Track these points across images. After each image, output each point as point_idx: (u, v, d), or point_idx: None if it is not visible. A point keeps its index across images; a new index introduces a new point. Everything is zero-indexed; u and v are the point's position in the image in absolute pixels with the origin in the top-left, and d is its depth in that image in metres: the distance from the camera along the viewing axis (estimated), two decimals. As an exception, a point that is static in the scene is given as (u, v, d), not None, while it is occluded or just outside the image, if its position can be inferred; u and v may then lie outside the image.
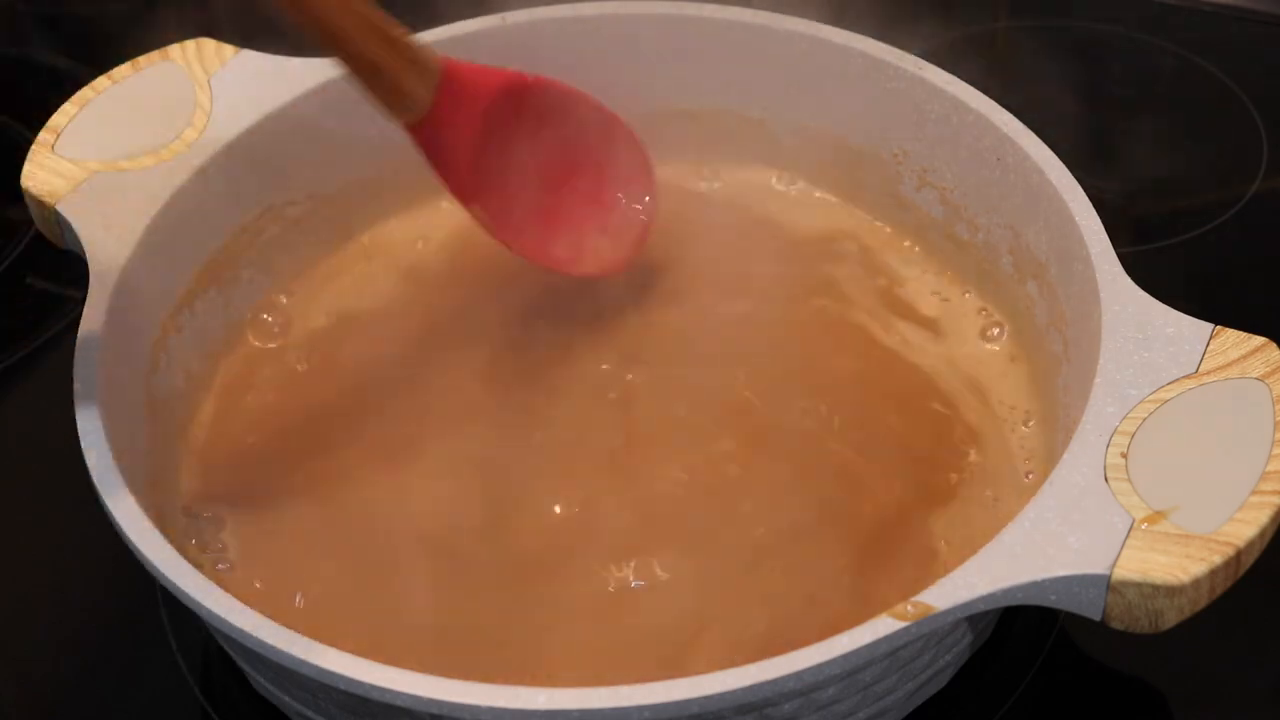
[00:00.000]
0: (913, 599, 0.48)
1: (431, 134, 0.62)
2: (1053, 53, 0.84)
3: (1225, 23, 0.86)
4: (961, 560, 0.50)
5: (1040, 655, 0.59)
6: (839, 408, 0.63)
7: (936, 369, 0.65)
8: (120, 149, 0.65)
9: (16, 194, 0.64)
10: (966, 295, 0.67)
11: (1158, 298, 0.56)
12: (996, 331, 0.65)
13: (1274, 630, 0.60)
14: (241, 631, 0.50)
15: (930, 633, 0.50)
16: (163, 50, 0.68)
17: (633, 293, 0.68)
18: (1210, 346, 0.54)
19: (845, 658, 0.48)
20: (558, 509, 0.61)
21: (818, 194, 0.72)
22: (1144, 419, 0.53)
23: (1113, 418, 0.53)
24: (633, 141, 0.68)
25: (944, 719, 0.57)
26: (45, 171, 0.64)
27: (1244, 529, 0.49)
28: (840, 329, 0.66)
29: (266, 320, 0.68)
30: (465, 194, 0.64)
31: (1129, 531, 0.50)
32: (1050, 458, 0.58)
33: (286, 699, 0.56)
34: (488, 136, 0.63)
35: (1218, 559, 0.49)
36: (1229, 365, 0.54)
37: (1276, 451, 0.51)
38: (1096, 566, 0.49)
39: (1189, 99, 0.82)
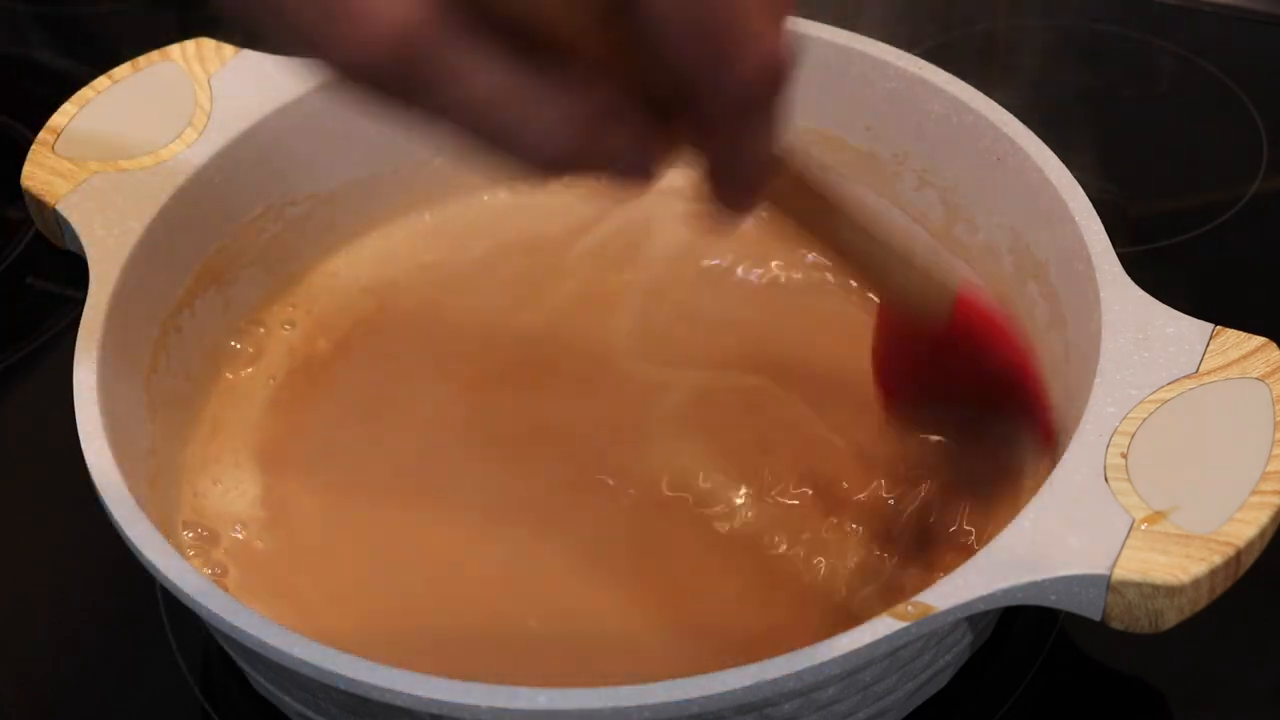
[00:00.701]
0: (912, 599, 0.48)
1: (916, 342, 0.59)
2: (1053, 53, 0.84)
3: (1225, 23, 0.86)
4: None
5: (1040, 655, 0.59)
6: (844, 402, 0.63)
7: None
8: (120, 149, 0.64)
9: (16, 194, 0.64)
10: None
11: (1157, 298, 0.56)
12: None
13: (1274, 630, 0.60)
14: (241, 631, 0.50)
15: (930, 633, 0.50)
16: (163, 50, 0.68)
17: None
18: (1210, 346, 0.54)
19: (845, 658, 0.47)
20: (563, 491, 0.61)
21: None
22: (1144, 419, 0.53)
23: (1113, 418, 0.53)
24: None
25: (944, 719, 0.57)
26: (45, 171, 0.64)
27: (1244, 529, 0.49)
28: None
29: (267, 320, 0.68)
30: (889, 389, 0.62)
31: (1129, 531, 0.50)
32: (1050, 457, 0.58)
33: (287, 699, 0.56)
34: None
35: (1218, 559, 0.49)
36: (1229, 365, 0.54)
37: (1277, 451, 0.51)
38: (1096, 567, 0.49)
39: (1189, 99, 0.82)
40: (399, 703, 0.48)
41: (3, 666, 0.62)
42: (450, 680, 0.47)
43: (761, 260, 0.69)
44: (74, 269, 0.62)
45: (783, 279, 0.69)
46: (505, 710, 0.47)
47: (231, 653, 0.58)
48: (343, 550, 0.60)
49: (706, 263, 0.69)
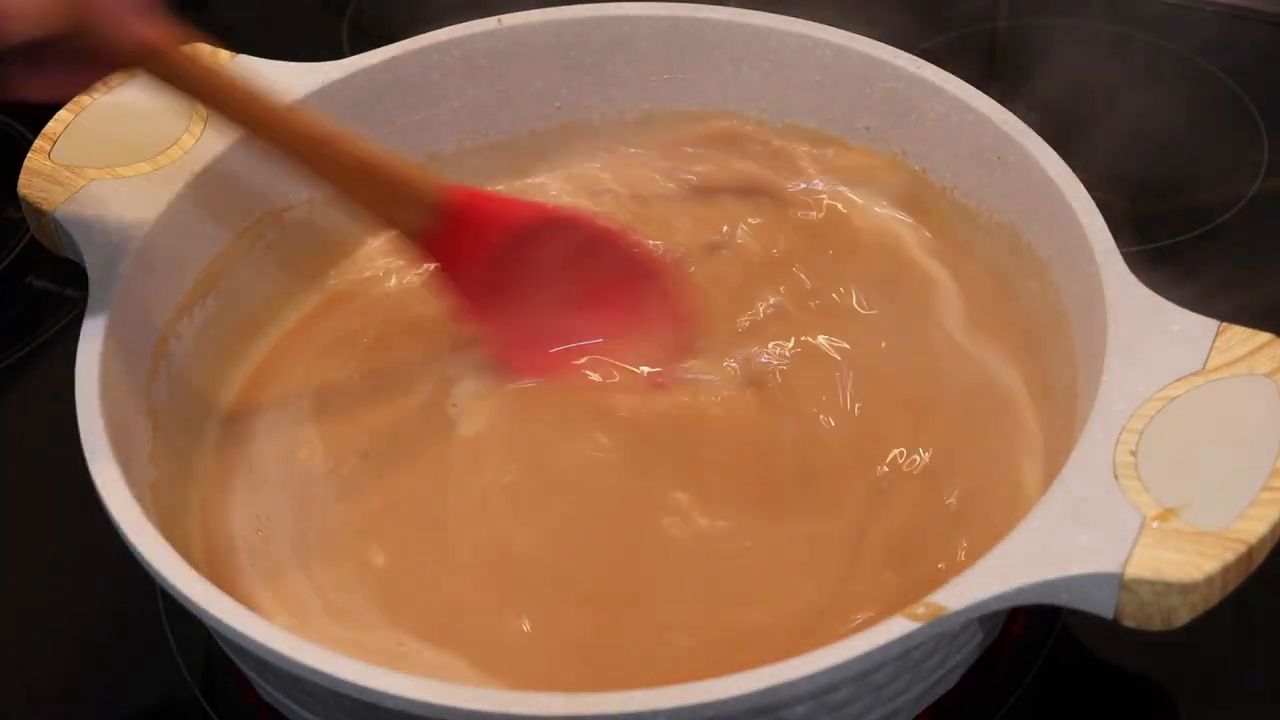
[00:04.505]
0: (925, 599, 0.48)
1: (438, 253, 0.63)
2: (1053, 53, 0.84)
3: (1225, 23, 0.86)
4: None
5: (1042, 654, 0.59)
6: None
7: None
8: (117, 155, 0.64)
9: (16, 194, 0.64)
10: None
11: (1157, 297, 0.56)
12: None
13: (1277, 628, 0.60)
14: (247, 637, 0.49)
15: (942, 633, 0.50)
16: (160, 55, 0.68)
17: None
18: (1216, 343, 0.54)
19: (858, 659, 0.47)
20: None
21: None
22: (1152, 416, 0.53)
23: (1121, 416, 0.53)
24: (666, 281, 0.67)
25: (950, 718, 0.57)
26: (42, 179, 0.63)
27: (1256, 525, 0.49)
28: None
29: (266, 323, 0.68)
30: (470, 313, 0.65)
31: (1140, 529, 0.49)
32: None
33: (291, 705, 0.55)
34: (500, 263, 0.63)
35: (1230, 556, 0.49)
36: (1235, 362, 0.54)
37: (1285, 448, 0.51)
38: (1108, 565, 0.49)
39: (1189, 99, 0.82)
40: (413, 710, 0.47)
41: (3, 668, 0.62)
42: (463, 687, 0.47)
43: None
44: (74, 269, 0.62)
45: None
46: (520, 716, 0.47)
47: (234, 656, 0.58)
48: (339, 533, 0.60)
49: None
